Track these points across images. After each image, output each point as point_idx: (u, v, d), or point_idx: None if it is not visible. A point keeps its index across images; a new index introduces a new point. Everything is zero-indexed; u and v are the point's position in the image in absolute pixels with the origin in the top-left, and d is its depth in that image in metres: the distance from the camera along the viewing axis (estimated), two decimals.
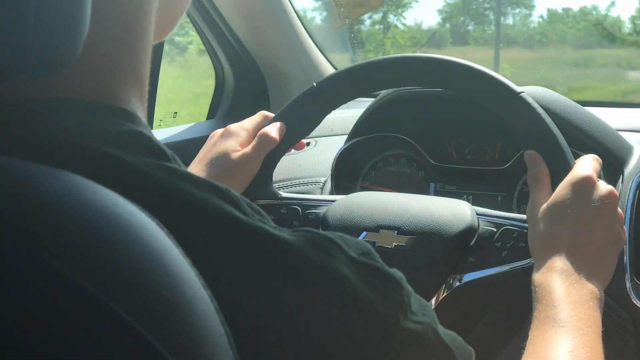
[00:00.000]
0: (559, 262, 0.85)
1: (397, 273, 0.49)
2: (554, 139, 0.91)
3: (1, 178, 0.34)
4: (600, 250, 0.86)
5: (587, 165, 0.88)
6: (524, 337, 0.79)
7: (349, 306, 0.43)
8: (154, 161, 0.42)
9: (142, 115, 0.49)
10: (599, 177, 0.88)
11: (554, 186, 0.89)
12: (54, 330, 0.29)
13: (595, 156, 0.90)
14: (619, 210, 0.87)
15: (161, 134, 1.43)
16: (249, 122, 1.01)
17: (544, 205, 0.87)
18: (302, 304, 0.42)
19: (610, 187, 0.86)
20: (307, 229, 0.46)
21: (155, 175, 0.40)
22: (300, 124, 1.00)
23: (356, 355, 0.43)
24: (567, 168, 0.88)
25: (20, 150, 0.38)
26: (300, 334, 0.41)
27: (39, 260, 0.30)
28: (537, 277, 0.84)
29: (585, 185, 0.86)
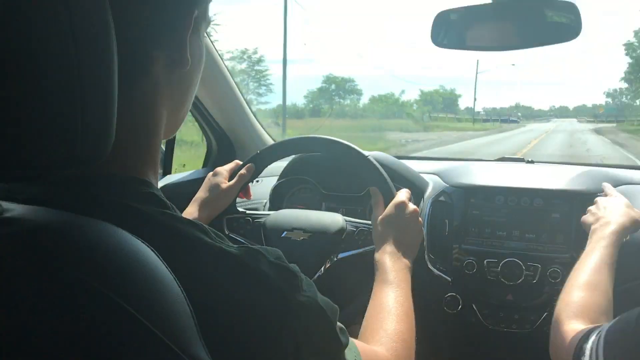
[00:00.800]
0: (388, 248, 1.17)
1: (295, 267, 0.63)
2: (384, 180, 1.29)
3: (65, 229, 0.47)
4: (410, 241, 1.21)
5: (402, 195, 1.26)
6: (370, 290, 1.09)
7: (267, 289, 0.57)
8: (160, 210, 0.57)
9: (155, 182, 0.64)
10: (410, 200, 1.26)
11: (385, 206, 1.25)
12: (85, 330, 0.42)
13: (407, 189, 1.30)
14: (420, 219, 1.24)
15: (178, 176, 1.86)
16: (228, 166, 1.39)
17: (380, 217, 1.23)
18: (241, 288, 0.55)
19: (414, 207, 1.24)
20: (247, 246, 0.60)
21: (160, 219, 0.56)
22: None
23: (271, 316, 0.56)
24: (392, 196, 1.26)
25: (85, 208, 0.52)
26: (237, 308, 0.54)
27: (85, 282, 0.43)
28: (377, 255, 1.17)
29: (401, 206, 1.23)
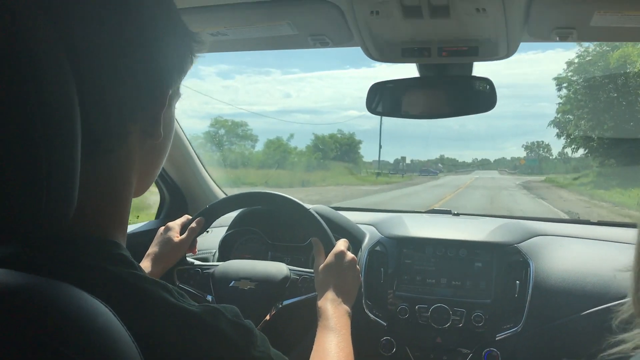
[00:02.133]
0: (329, 295, 1.23)
1: (250, 324, 0.68)
2: (325, 232, 1.40)
3: (29, 292, 0.50)
4: (349, 288, 1.28)
5: (341, 245, 1.35)
6: (313, 335, 1.15)
7: (225, 346, 0.63)
8: (128, 270, 0.61)
9: (123, 242, 0.67)
10: (348, 249, 1.34)
11: (326, 255, 1.34)
12: None
13: (345, 240, 1.39)
14: (357, 267, 1.32)
15: (131, 227, 1.93)
16: (179, 221, 1.48)
17: (321, 266, 1.31)
18: (200, 346, 0.60)
19: (352, 256, 1.32)
20: (207, 305, 0.65)
21: (127, 279, 0.59)
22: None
23: None
24: (332, 246, 1.35)
25: (56, 270, 0.55)
26: None
27: (47, 343, 0.46)
28: (319, 302, 1.22)
29: (340, 255, 1.31)
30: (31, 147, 0.48)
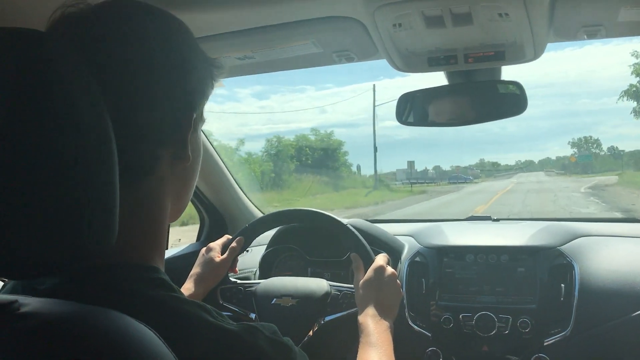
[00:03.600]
0: (370, 310, 1.22)
1: (289, 342, 0.70)
2: (364, 247, 1.39)
3: (77, 321, 0.52)
4: (390, 303, 1.27)
5: (380, 259, 1.34)
6: (355, 351, 1.15)
7: None
8: (167, 293, 0.63)
9: (161, 266, 0.70)
10: (388, 263, 1.33)
11: (365, 270, 1.33)
12: None
13: (385, 254, 1.38)
14: (398, 282, 1.31)
15: (174, 250, 2.00)
16: (220, 241, 1.51)
17: (361, 281, 1.30)
18: None
19: (392, 270, 1.31)
20: (245, 323, 0.66)
21: (168, 302, 0.62)
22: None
23: None
24: (371, 261, 1.34)
25: (100, 297, 0.57)
26: None
27: None
28: (360, 318, 1.22)
29: (380, 270, 1.30)
30: (71, 182, 0.50)
